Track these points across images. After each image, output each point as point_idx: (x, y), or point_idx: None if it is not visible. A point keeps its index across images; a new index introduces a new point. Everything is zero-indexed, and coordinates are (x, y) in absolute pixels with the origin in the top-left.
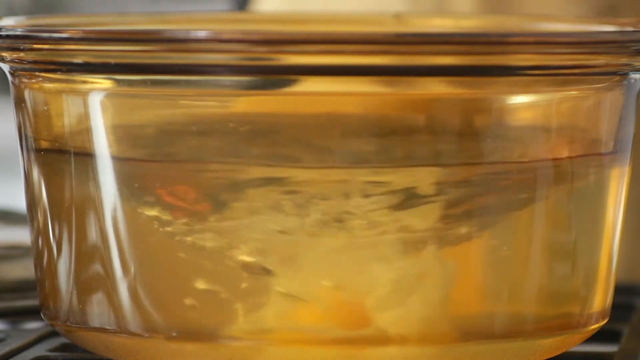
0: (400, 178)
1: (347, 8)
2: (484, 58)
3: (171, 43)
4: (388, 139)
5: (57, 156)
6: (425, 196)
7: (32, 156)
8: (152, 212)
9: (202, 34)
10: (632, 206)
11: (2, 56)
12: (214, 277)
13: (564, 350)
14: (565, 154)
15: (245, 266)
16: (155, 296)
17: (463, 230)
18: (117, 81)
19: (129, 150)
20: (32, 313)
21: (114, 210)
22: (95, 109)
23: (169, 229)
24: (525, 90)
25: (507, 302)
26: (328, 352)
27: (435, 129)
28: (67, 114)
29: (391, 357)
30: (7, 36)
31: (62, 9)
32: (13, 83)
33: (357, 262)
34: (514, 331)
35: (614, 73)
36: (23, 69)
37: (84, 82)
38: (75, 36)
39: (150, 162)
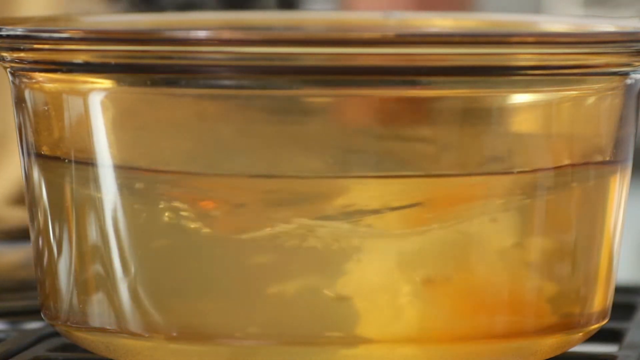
0: (399, 181)
1: None
2: (484, 58)
3: (171, 43)
4: (386, 141)
5: (58, 155)
6: (428, 199)
7: (33, 156)
8: (153, 212)
9: (202, 34)
10: None
11: (2, 56)
12: (215, 277)
13: (564, 350)
14: (565, 154)
15: (247, 266)
16: (156, 296)
17: (463, 231)
18: (118, 81)
19: (129, 151)
20: (32, 313)
21: (115, 210)
22: (96, 109)
23: (169, 228)
24: (525, 90)
25: (508, 302)
26: (325, 351)
27: (434, 130)
28: (67, 114)
29: (390, 356)
30: (7, 36)
31: None
32: (13, 83)
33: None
34: (514, 331)
35: (614, 73)
36: (23, 69)
37: (85, 82)
38: (75, 36)
39: (150, 162)
